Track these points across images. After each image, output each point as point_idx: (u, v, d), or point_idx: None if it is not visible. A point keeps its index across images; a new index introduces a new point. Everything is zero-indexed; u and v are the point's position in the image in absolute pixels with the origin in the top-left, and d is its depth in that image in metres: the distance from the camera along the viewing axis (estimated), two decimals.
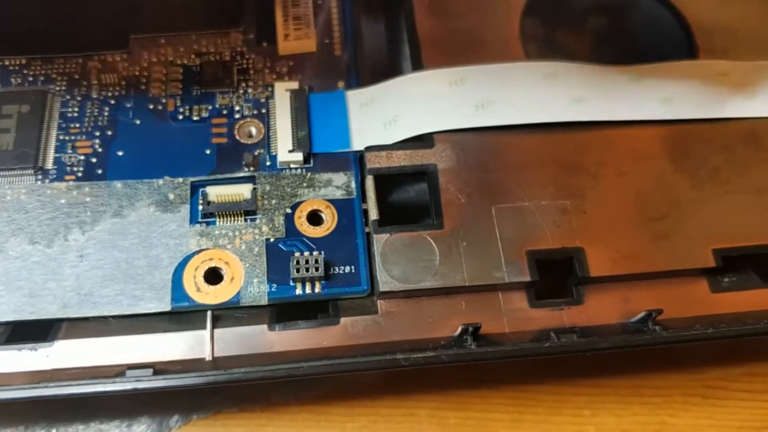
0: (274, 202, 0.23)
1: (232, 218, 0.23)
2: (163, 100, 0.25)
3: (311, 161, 0.24)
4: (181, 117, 0.25)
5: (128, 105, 0.25)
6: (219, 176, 0.24)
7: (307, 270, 0.22)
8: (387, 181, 0.24)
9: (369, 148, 0.24)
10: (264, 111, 0.25)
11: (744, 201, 0.24)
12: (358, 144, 0.24)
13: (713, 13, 0.27)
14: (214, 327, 0.21)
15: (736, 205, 0.24)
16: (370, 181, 0.23)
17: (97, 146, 0.24)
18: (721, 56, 0.26)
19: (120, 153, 0.24)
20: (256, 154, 0.24)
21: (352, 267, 0.22)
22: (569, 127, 0.24)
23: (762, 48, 0.27)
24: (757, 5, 0.28)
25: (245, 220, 0.23)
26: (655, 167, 0.24)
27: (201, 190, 0.23)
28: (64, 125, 0.24)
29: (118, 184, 0.23)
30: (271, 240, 0.23)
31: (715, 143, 0.25)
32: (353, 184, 0.24)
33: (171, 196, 0.23)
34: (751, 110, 0.25)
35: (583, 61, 0.25)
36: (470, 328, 0.21)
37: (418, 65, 0.25)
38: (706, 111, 0.25)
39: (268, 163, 0.24)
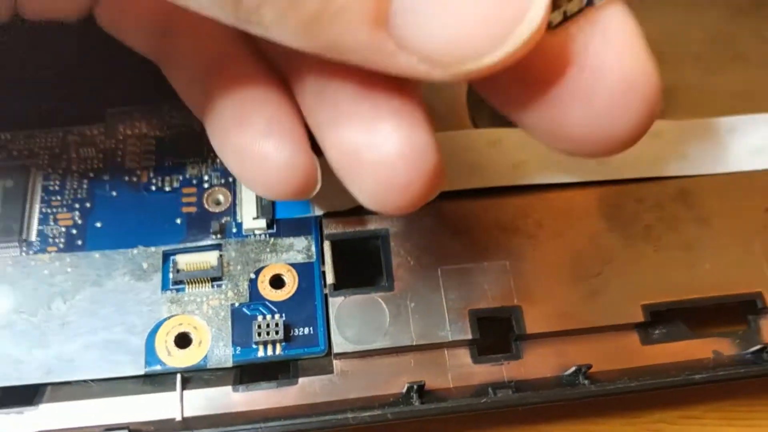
0: (239, 267, 0.25)
1: (200, 285, 0.25)
2: (138, 172, 0.27)
3: (274, 227, 0.26)
4: (153, 188, 0.27)
5: (105, 177, 0.27)
6: (188, 245, 0.26)
7: (268, 333, 0.24)
8: (343, 245, 0.26)
9: (326, 215, 0.26)
10: (231, 179, 0.27)
11: (673, 258, 0.26)
12: (317, 209, 0.26)
13: None
14: (183, 389, 0.23)
15: (666, 261, 0.25)
16: (327, 247, 0.25)
17: (77, 218, 0.26)
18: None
19: (98, 224, 0.26)
20: (222, 221, 0.26)
21: (311, 328, 0.24)
22: (511, 190, 0.26)
23: (695, 106, 0.29)
24: (690, 66, 0.29)
25: (212, 286, 0.25)
26: (589, 227, 0.26)
27: (171, 258, 0.25)
28: (46, 198, 0.26)
29: (96, 255, 0.25)
30: (236, 305, 0.25)
31: (648, 202, 0.26)
32: (313, 248, 0.26)
33: (144, 265, 0.25)
34: (682, 169, 0.27)
35: None
36: (415, 386, 0.23)
37: None
38: (640, 171, 0.27)
39: (234, 230, 0.26)
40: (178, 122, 0.28)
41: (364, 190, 0.18)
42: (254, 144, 0.20)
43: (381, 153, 0.18)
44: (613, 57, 0.16)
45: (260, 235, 0.26)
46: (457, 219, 0.26)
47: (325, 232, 0.25)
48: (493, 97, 0.19)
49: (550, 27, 0.16)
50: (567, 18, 0.16)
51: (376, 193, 0.18)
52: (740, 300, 0.25)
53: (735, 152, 0.28)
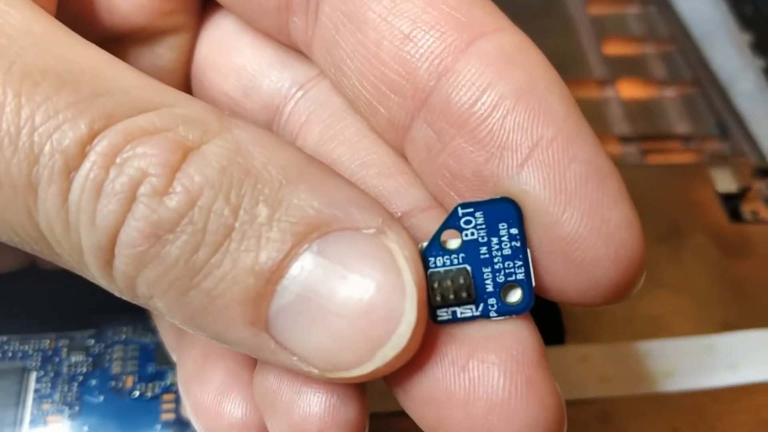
0: None
1: None
2: (123, 378, 0.30)
3: None
4: (137, 393, 0.30)
5: (93, 382, 0.30)
6: None
7: None
8: None
9: None
10: None
11: None
12: None
13: None
14: None
15: None
16: None
17: (66, 421, 0.29)
18: (584, 337, 0.32)
19: (85, 428, 0.29)
20: None
21: None
22: None
23: (616, 329, 0.33)
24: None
25: None
26: None
27: None
28: (37, 401, 0.29)
29: None
30: None
31: (573, 423, 0.30)
32: None
33: None
34: (604, 390, 0.31)
35: None
36: None
37: None
38: (567, 394, 0.31)
39: None
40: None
41: None
42: (210, 401, 0.21)
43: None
44: (492, 380, 0.17)
45: None
46: None
47: None
48: None
49: (436, 321, 0.17)
50: (457, 319, 0.17)
51: None
52: None
53: (650, 375, 0.32)
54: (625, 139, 0.41)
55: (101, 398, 0.29)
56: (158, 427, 0.29)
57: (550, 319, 0.33)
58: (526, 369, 0.17)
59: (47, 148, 0.15)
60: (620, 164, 0.39)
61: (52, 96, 0.15)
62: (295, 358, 0.16)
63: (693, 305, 0.34)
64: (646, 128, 0.42)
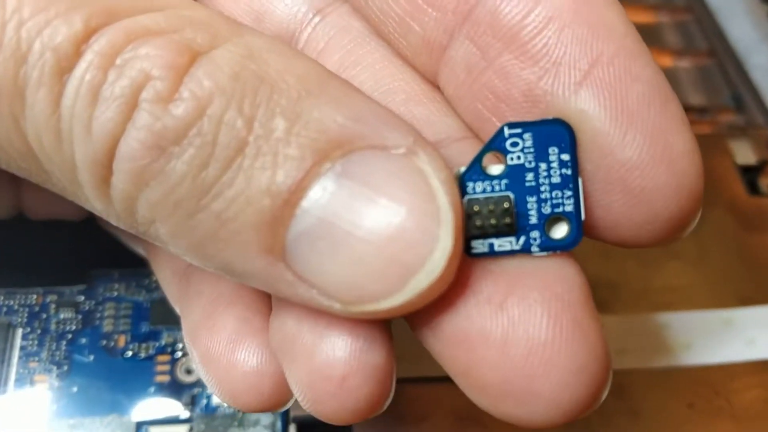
0: None
1: None
2: (115, 337, 0.28)
3: None
4: (130, 353, 0.28)
5: (83, 341, 0.28)
6: (159, 417, 0.27)
7: None
8: (309, 427, 0.27)
9: None
10: None
11: None
12: None
13: (596, 267, 0.32)
14: None
15: None
16: (293, 429, 0.27)
17: (53, 380, 0.27)
18: (600, 308, 0.31)
19: (74, 389, 0.27)
20: (194, 392, 0.28)
21: None
22: None
23: (636, 301, 0.32)
24: (632, 262, 0.33)
25: None
26: None
27: (144, 428, 0.26)
28: (24, 359, 0.27)
29: (70, 421, 0.26)
30: None
31: None
32: (279, 423, 0.27)
33: None
34: (621, 362, 0.30)
35: None
36: None
37: None
38: None
39: (204, 402, 0.27)
40: (156, 286, 0.29)
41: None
42: (222, 349, 0.20)
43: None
44: (534, 319, 0.15)
45: (228, 408, 0.27)
46: (418, 404, 0.28)
47: (292, 414, 0.27)
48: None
49: (470, 254, 0.16)
50: (494, 252, 0.16)
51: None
52: None
53: (667, 348, 0.31)
54: None
55: (91, 358, 0.28)
56: (152, 389, 0.27)
57: None
58: (572, 309, 0.15)
59: (37, 45, 0.13)
60: None
61: None
62: (315, 291, 0.14)
63: (710, 278, 0.33)
64: None
